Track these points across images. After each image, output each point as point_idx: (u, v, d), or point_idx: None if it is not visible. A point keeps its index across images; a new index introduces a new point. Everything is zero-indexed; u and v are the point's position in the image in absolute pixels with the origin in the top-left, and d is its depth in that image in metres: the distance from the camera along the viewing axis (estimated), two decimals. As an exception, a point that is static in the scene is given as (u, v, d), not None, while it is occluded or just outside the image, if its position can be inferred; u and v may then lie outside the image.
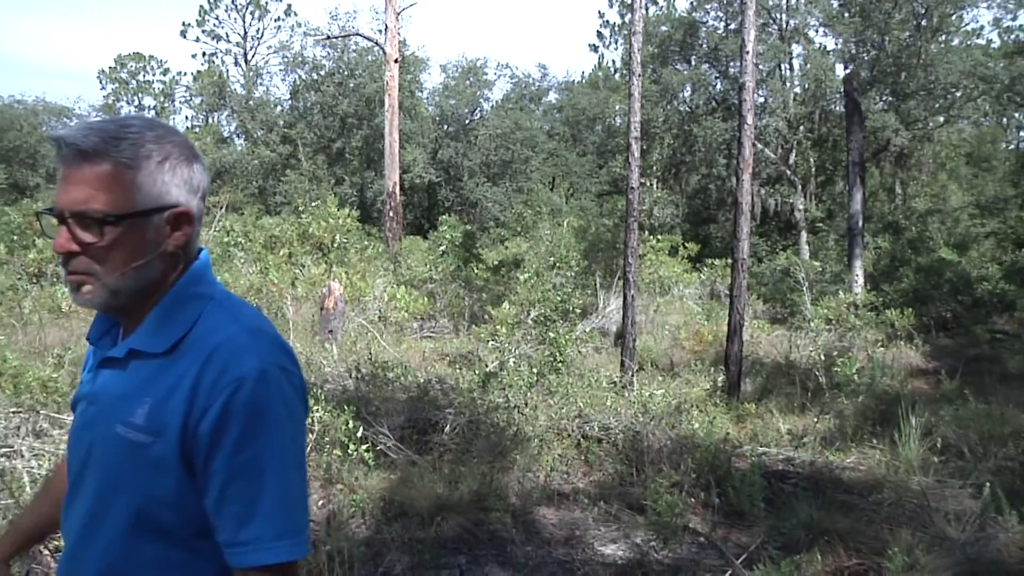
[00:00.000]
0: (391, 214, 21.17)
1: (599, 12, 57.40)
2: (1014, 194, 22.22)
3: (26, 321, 9.93)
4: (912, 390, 9.17)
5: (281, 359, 1.36)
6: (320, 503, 5.03)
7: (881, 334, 11.83)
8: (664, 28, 28.28)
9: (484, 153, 32.13)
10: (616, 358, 9.84)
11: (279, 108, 35.97)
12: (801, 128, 26.03)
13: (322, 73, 33.11)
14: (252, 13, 44.69)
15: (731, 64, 25.89)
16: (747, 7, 9.18)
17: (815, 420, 7.73)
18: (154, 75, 47.96)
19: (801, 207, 25.24)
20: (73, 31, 79.10)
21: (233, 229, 15.69)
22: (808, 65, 25.60)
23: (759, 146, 23.51)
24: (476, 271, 14.19)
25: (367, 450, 5.51)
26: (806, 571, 4.36)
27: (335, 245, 13.94)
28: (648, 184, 29.20)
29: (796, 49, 27.79)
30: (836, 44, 25.87)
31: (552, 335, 8.08)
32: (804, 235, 24.90)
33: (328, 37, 28.29)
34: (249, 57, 44.85)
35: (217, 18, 44.74)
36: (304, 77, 33.97)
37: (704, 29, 27.52)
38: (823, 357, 9.46)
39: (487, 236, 25.42)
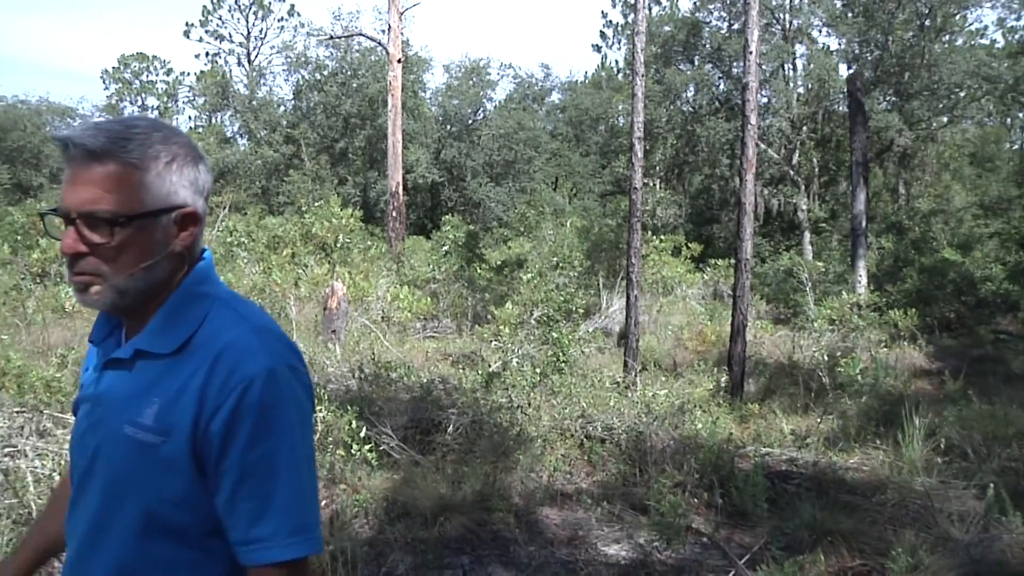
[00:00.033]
0: (394, 214, 21.18)
1: (602, 12, 57.35)
2: (1018, 194, 22.15)
3: (30, 321, 9.95)
4: (916, 391, 9.16)
5: (289, 358, 1.37)
6: (323, 503, 5.02)
7: (884, 335, 11.80)
8: (667, 28, 28.26)
9: (487, 153, 32.13)
10: (619, 358, 9.84)
11: (282, 108, 36.02)
12: (804, 128, 26.00)
13: (325, 73, 33.13)
14: (255, 13, 44.72)
15: (734, 64, 25.86)
16: (750, 7, 9.17)
17: (818, 420, 7.71)
18: (157, 75, 47.99)
19: (804, 207, 25.21)
20: (76, 31, 79.28)
21: (236, 229, 15.72)
22: (811, 65, 25.56)
23: (762, 146, 23.48)
24: (479, 271, 14.19)
25: (370, 450, 5.51)
26: (809, 572, 4.35)
27: (338, 245, 13.95)
28: (651, 184, 29.20)
29: (799, 49, 27.77)
30: (839, 44, 25.85)
31: (555, 335, 8.08)
32: (807, 235, 24.88)
33: (331, 37, 28.32)
34: (252, 57, 44.90)
35: (220, 18, 44.78)
36: (307, 77, 33.99)
37: (707, 29, 27.49)
38: (826, 357, 9.44)
39: (490, 236, 25.42)
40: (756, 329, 12.25)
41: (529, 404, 6.64)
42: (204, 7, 44.49)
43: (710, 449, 5.89)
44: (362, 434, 5.54)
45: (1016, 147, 31.80)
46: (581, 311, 11.19)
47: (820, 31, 26.82)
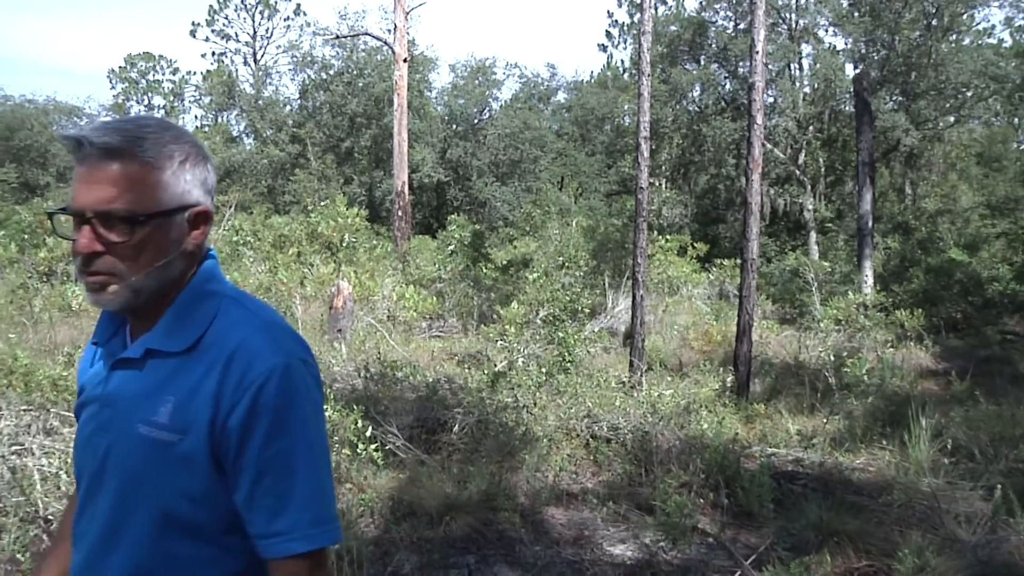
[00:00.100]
0: (400, 213, 21.19)
1: (608, 12, 57.46)
2: (1025, 194, 22.11)
3: (36, 320, 9.97)
4: (922, 391, 9.13)
5: (301, 352, 1.38)
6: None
7: (891, 335, 11.79)
8: (673, 28, 28.22)
9: (493, 153, 32.12)
10: (625, 358, 9.83)
11: (288, 107, 36.02)
12: (811, 128, 25.94)
13: (331, 72, 33.13)
14: (261, 13, 44.76)
15: (740, 64, 25.82)
16: (757, 7, 9.16)
17: (824, 421, 7.70)
18: (164, 74, 48.06)
19: (810, 207, 25.16)
20: (83, 31, 79.44)
21: (242, 228, 15.72)
22: (818, 65, 25.48)
23: (768, 146, 23.44)
24: (485, 271, 14.19)
25: (376, 449, 5.52)
26: (815, 572, 4.35)
27: (344, 244, 13.97)
28: (657, 184, 29.17)
29: (806, 49, 27.70)
30: (846, 44, 25.77)
31: (561, 335, 8.08)
32: (813, 235, 24.82)
33: (337, 37, 28.35)
34: (258, 56, 44.91)
35: (226, 18, 44.81)
36: (313, 76, 34.00)
37: (713, 29, 27.44)
38: (832, 358, 9.43)
39: (496, 236, 25.40)
40: (762, 329, 12.23)
41: (535, 404, 6.64)
42: (210, 6, 44.56)
43: (716, 449, 5.89)
44: (368, 433, 5.54)
45: (1023, 147, 31.72)
46: (587, 311, 11.18)
47: (826, 31, 26.77)
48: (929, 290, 15.52)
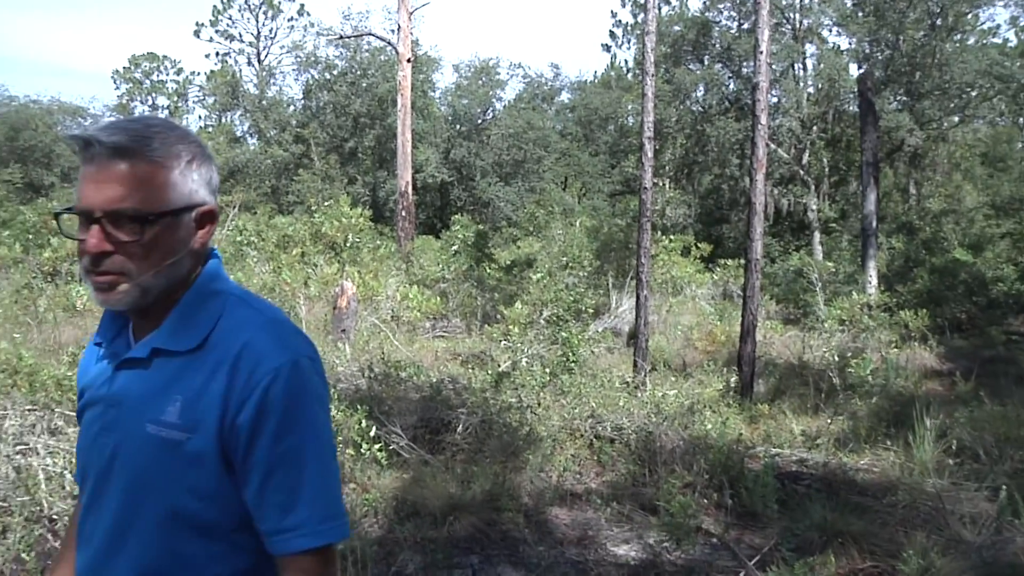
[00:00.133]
0: (403, 213, 21.20)
1: (611, 12, 57.42)
2: (1030, 194, 22.05)
3: (41, 319, 9.99)
4: (926, 391, 9.13)
5: (307, 349, 1.39)
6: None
7: (895, 335, 11.77)
8: (677, 28, 28.19)
9: (496, 153, 32.12)
10: (629, 358, 9.83)
11: (292, 108, 36.06)
12: (815, 128, 25.91)
13: (335, 73, 33.16)
14: (265, 13, 44.82)
15: (744, 64, 25.79)
16: (761, 7, 9.15)
17: (829, 421, 7.70)
18: (168, 75, 48.16)
19: (814, 207, 25.13)
20: (88, 31, 79.59)
21: (246, 228, 15.75)
22: (822, 65, 25.46)
23: (772, 146, 23.42)
24: (488, 271, 14.18)
25: (380, 449, 5.52)
26: (820, 573, 4.34)
27: (348, 244, 13.98)
28: (661, 184, 29.14)
29: (810, 49, 27.68)
30: (850, 44, 25.73)
31: (564, 335, 8.08)
32: (817, 235, 24.78)
33: (341, 37, 28.36)
34: (262, 57, 44.99)
35: (230, 18, 44.89)
36: (317, 77, 34.03)
37: (717, 29, 27.43)
38: (836, 358, 9.42)
39: (499, 236, 25.37)
40: (766, 329, 12.22)
41: (539, 404, 6.64)
42: (214, 7, 44.64)
43: (720, 450, 5.88)
44: (372, 433, 5.55)
45: (1028, 147, 31.62)
46: (590, 311, 11.18)
47: (830, 31, 26.76)
48: (933, 290, 15.49)
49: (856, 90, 20.90)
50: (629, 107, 35.22)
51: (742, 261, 12.63)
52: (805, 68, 28.04)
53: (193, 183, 1.37)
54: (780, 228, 26.97)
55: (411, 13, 21.58)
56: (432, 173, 30.41)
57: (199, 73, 48.28)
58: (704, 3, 27.91)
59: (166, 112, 46.55)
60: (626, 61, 45.77)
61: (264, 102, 34.71)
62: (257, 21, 44.96)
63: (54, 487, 4.43)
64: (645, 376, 8.65)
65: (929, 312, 12.93)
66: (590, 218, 20.10)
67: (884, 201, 24.81)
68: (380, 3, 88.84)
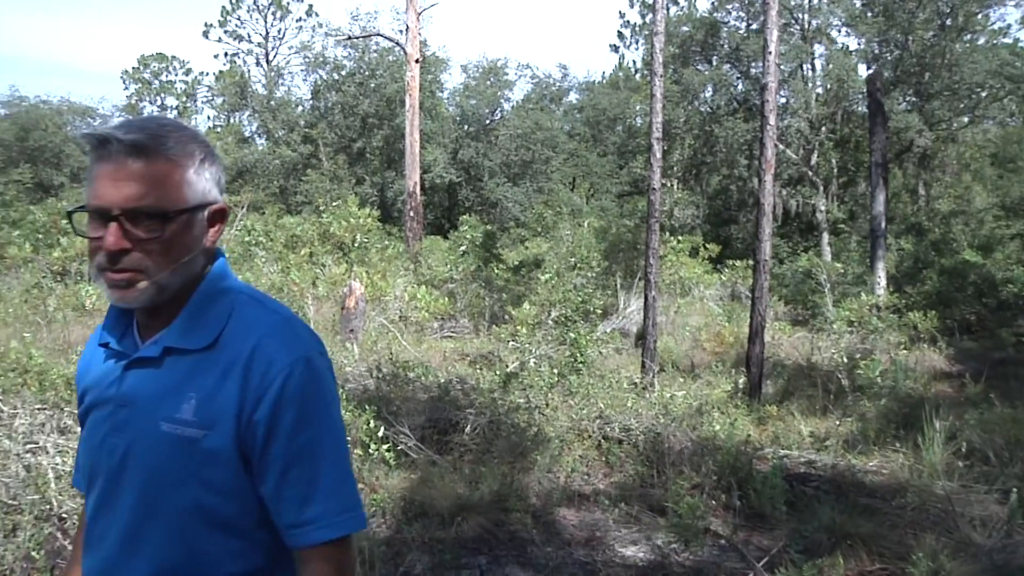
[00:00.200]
0: (411, 214, 21.21)
1: (620, 12, 57.38)
2: (1040, 195, 21.97)
3: (51, 319, 10.02)
4: (936, 393, 9.09)
5: (318, 345, 1.42)
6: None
7: (904, 337, 11.73)
8: (685, 28, 28.16)
9: (504, 153, 32.12)
10: (637, 359, 9.81)
11: (300, 108, 36.13)
12: (823, 129, 25.83)
13: (343, 73, 33.21)
14: (274, 14, 44.88)
15: (753, 64, 25.73)
16: (769, 7, 9.13)
17: (837, 423, 7.67)
18: (176, 75, 48.27)
19: (823, 208, 25.06)
20: (97, 32, 79.88)
21: (254, 228, 15.77)
22: (830, 65, 25.36)
23: (781, 147, 23.34)
24: (496, 271, 14.19)
25: (388, 450, 5.53)
26: (828, 575, 4.32)
27: (356, 245, 13.99)
28: (669, 185, 29.11)
29: (818, 49, 27.56)
30: (859, 44, 25.64)
31: (573, 336, 8.07)
32: (826, 236, 24.71)
33: (349, 37, 28.40)
34: (271, 57, 45.04)
35: (239, 18, 44.95)
36: (325, 77, 34.09)
37: (726, 29, 27.36)
38: (845, 359, 9.39)
39: (507, 236, 25.41)
40: (774, 330, 12.19)
41: (547, 404, 6.64)
42: (223, 7, 44.72)
43: (728, 451, 5.87)
44: (380, 434, 5.55)
45: (1038, 147, 31.44)
46: (599, 312, 11.17)
47: (839, 31, 26.64)
48: (943, 292, 15.43)
49: (865, 91, 20.84)
50: (637, 108, 35.17)
51: (750, 262, 12.62)
52: (814, 69, 27.96)
53: (206, 181, 1.39)
54: (789, 229, 26.91)
55: (419, 14, 21.59)
56: (440, 173, 30.44)
57: (208, 73, 48.35)
58: (713, 4, 27.86)
59: (175, 112, 46.66)
60: (634, 62, 45.79)
61: (272, 102, 34.78)
62: (266, 22, 45.05)
63: (63, 486, 4.45)
64: (653, 377, 8.64)
65: (938, 314, 12.88)
66: (598, 219, 20.08)
67: (893, 202, 24.74)
68: (388, 4, 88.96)
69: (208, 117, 48.21)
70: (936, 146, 24.99)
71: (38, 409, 5.23)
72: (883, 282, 16.84)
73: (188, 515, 1.33)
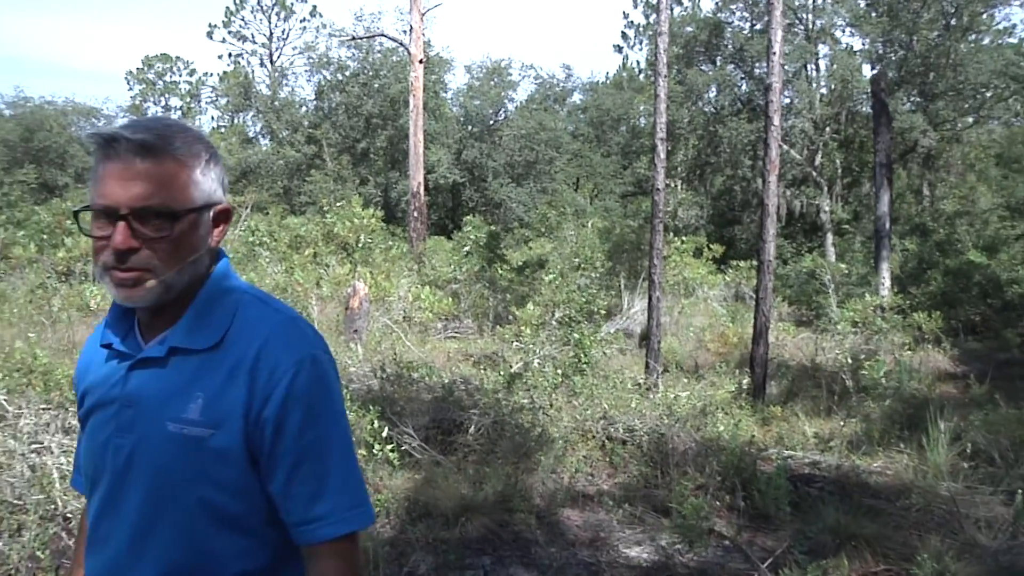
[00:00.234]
0: (415, 214, 21.23)
1: (623, 13, 57.34)
2: (1045, 196, 21.89)
3: (55, 319, 10.05)
4: (940, 394, 9.07)
5: (322, 344, 1.43)
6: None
7: (908, 337, 11.70)
8: (689, 29, 28.10)
9: (508, 154, 32.11)
10: (641, 360, 9.81)
11: (304, 108, 36.16)
12: (827, 129, 25.78)
13: (347, 74, 33.23)
14: (277, 14, 44.96)
15: (757, 65, 25.69)
16: (773, 7, 9.12)
17: (841, 424, 7.66)
18: (180, 76, 48.39)
19: (827, 209, 25.01)
20: (101, 33, 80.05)
21: (258, 229, 15.80)
22: (835, 66, 25.33)
23: (785, 147, 23.32)
24: (500, 272, 14.19)
25: (392, 450, 5.53)
26: (833, 576, 4.32)
27: (360, 245, 14.01)
28: (673, 185, 29.07)
29: (823, 49, 27.53)
30: (863, 44, 25.58)
31: (577, 336, 8.07)
32: (830, 237, 24.67)
33: (353, 38, 28.42)
34: (274, 58, 45.12)
35: (243, 19, 45.03)
36: (329, 78, 34.11)
37: (730, 30, 27.32)
38: (849, 360, 9.38)
39: (511, 237, 25.37)
40: (778, 331, 12.18)
41: (551, 405, 6.64)
42: (227, 8, 44.79)
43: (732, 451, 5.86)
44: (384, 434, 5.56)
45: (1043, 148, 31.35)
46: (602, 312, 11.17)
47: (843, 31, 26.58)
48: (947, 292, 15.40)
49: (869, 91, 20.79)
50: (641, 108, 35.16)
51: (754, 263, 12.60)
52: (818, 69, 27.93)
53: (212, 182, 1.40)
54: (793, 229, 26.86)
55: (423, 14, 21.61)
56: (444, 174, 30.44)
57: (212, 74, 48.49)
58: (716, 4, 27.83)
59: (179, 113, 46.78)
60: (638, 62, 45.72)
61: (276, 103, 34.81)
62: (269, 22, 45.13)
63: (68, 486, 4.45)
64: (657, 378, 8.63)
65: (943, 314, 12.86)
66: (602, 219, 20.10)
67: (897, 202, 24.66)
68: (392, 4, 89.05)
69: (212, 118, 48.39)
70: (941, 146, 24.92)
71: (43, 409, 5.23)
72: (887, 283, 16.80)
73: (196, 514, 1.34)
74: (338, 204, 15.72)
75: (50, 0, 79.80)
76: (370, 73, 32.38)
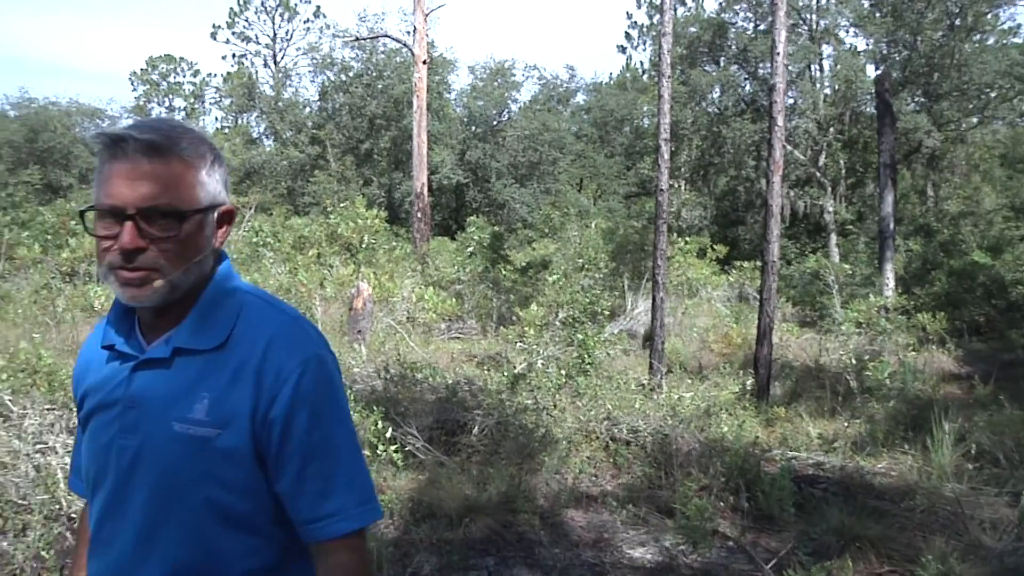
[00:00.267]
0: (419, 215, 21.24)
1: (627, 13, 57.26)
2: (1050, 196, 21.89)
3: (59, 319, 10.05)
4: (945, 395, 9.05)
5: (325, 344, 1.45)
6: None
7: (912, 338, 11.68)
8: (693, 29, 28.10)
9: (512, 154, 32.12)
10: (644, 360, 9.80)
11: (308, 109, 36.22)
12: (831, 129, 25.75)
13: (350, 74, 33.27)
14: (281, 15, 44.98)
15: (760, 65, 25.67)
16: (777, 8, 9.11)
17: (846, 424, 7.65)
18: (184, 77, 48.43)
19: (831, 209, 24.98)
20: (105, 33, 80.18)
21: (262, 229, 15.81)
22: (838, 66, 25.30)
23: (789, 148, 23.28)
24: (504, 272, 14.19)
25: (396, 451, 5.53)
26: (837, 577, 4.31)
27: (363, 246, 14.00)
28: (676, 186, 29.05)
29: (826, 50, 27.49)
30: (867, 44, 25.55)
31: (580, 337, 8.06)
32: (834, 237, 24.63)
33: (357, 39, 28.46)
34: (278, 59, 45.17)
35: (247, 20, 45.06)
36: (333, 78, 34.15)
37: (733, 30, 27.30)
38: (853, 361, 9.36)
39: (515, 237, 25.41)
40: (782, 332, 12.16)
41: (554, 406, 6.63)
42: (231, 9, 44.90)
43: (736, 452, 5.86)
44: (387, 435, 5.56)
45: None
46: (606, 313, 11.17)
47: (847, 31, 26.53)
48: (951, 293, 15.38)
49: (873, 91, 20.76)
50: (645, 108, 35.10)
51: (758, 263, 12.59)
52: (822, 69, 27.90)
53: (216, 183, 1.41)
54: (796, 230, 26.82)
55: (427, 15, 21.62)
56: (448, 175, 30.46)
57: (216, 75, 48.52)
58: (720, 4, 27.80)
59: (183, 114, 46.82)
60: (641, 62, 45.72)
61: (280, 104, 34.88)
62: (273, 23, 45.15)
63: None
64: (661, 378, 8.62)
65: (947, 315, 12.84)
66: (606, 220, 20.10)
67: (901, 203, 24.64)
68: (396, 5, 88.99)
69: (216, 118, 48.39)
70: (945, 147, 24.88)
71: (47, 409, 5.25)
72: (891, 283, 16.76)
73: (203, 514, 1.34)
74: (342, 205, 15.69)
75: (51, 0, 79.97)
76: (374, 74, 32.42)
